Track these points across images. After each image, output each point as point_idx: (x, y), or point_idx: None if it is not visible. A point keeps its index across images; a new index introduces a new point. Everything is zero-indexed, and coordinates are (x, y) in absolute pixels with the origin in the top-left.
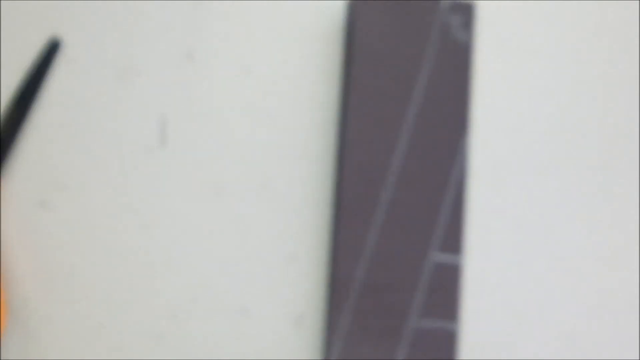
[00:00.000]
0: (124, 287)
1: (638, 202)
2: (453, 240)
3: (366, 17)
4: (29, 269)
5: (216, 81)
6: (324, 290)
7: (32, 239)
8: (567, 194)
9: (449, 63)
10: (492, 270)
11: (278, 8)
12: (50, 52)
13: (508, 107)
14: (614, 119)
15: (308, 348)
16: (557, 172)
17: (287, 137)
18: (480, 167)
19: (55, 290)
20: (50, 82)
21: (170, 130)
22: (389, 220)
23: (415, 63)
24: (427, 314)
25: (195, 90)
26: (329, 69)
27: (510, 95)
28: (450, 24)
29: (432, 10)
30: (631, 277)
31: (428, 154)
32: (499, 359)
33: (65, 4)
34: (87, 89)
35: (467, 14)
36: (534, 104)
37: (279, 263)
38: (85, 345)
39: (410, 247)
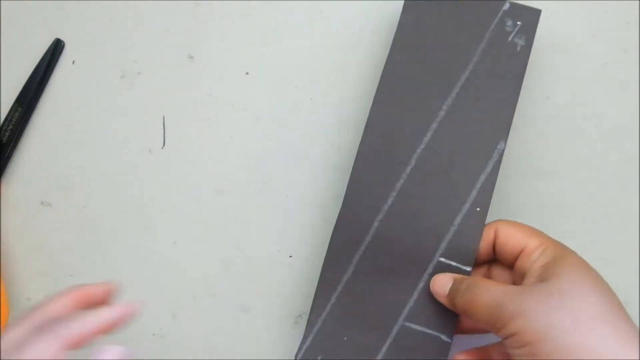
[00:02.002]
0: (125, 286)
1: (638, 202)
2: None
3: (412, 15)
4: (29, 269)
5: (217, 82)
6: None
7: (33, 239)
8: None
9: (499, 66)
10: None
11: (277, 10)
12: (53, 54)
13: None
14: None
15: None
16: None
17: (287, 137)
18: None
19: (56, 290)
20: (53, 82)
21: (172, 130)
22: (402, 211)
23: (461, 63)
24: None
25: (196, 91)
26: (327, 70)
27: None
28: (507, 28)
29: (491, 12)
30: (631, 277)
31: (459, 153)
32: None
33: (68, 7)
34: (89, 90)
35: (527, 19)
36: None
37: (279, 263)
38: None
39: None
